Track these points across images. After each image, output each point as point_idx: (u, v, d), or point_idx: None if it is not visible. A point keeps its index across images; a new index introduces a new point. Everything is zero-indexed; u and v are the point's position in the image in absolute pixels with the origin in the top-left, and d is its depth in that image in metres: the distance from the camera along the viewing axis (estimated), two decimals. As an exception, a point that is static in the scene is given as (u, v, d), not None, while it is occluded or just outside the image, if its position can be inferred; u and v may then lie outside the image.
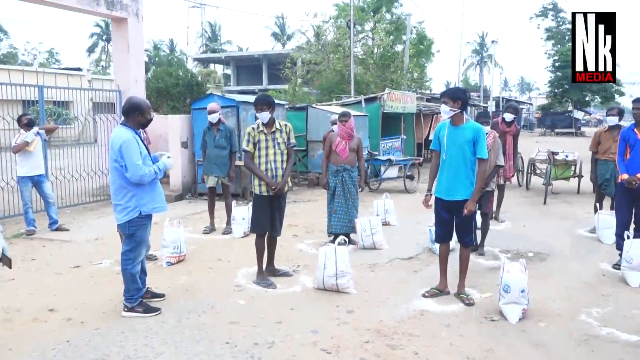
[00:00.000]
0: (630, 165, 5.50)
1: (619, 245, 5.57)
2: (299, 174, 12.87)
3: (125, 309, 4.35)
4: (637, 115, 5.53)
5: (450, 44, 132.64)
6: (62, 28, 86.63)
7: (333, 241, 5.07)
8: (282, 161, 5.13)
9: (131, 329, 4.06)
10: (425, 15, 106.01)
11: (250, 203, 5.72)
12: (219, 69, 49.25)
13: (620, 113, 7.46)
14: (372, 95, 15.89)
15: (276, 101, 12.49)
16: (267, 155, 5.08)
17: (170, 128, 10.52)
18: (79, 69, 29.95)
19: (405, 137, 16.31)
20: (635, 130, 5.54)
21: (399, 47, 27.32)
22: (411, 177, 11.72)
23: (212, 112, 7.35)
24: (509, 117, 7.79)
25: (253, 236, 5.33)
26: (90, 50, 58.94)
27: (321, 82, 24.23)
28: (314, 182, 12.14)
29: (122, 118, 4.39)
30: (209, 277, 5.44)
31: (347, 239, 6.28)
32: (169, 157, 4.50)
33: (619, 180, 5.65)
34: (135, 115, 4.29)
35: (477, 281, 5.21)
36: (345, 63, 22.85)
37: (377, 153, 12.86)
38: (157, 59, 43.06)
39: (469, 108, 27.87)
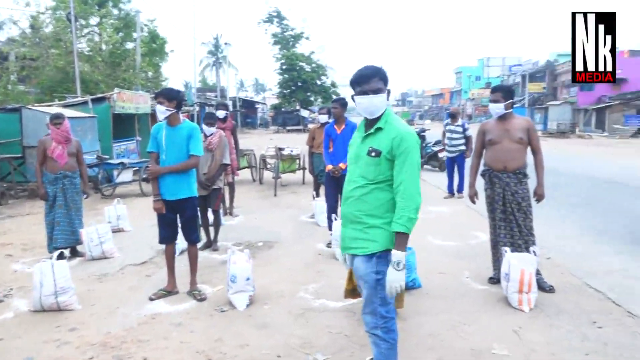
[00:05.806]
0: (334, 156, 6.39)
1: (330, 227, 6.42)
2: (16, 184, 11.26)
3: None
4: (335, 114, 6.44)
5: (186, 44, 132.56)
6: None
7: (59, 257, 4.60)
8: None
9: None
10: (156, 13, 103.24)
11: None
12: None
13: (329, 112, 8.56)
14: (100, 95, 14.89)
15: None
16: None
17: None
18: None
19: (140, 139, 15.72)
20: (335, 126, 6.44)
21: (130, 45, 26.13)
22: (147, 180, 11.36)
23: None
24: (221, 114, 8.12)
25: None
26: None
27: (41, 80, 21.60)
28: (35, 192, 10.76)
29: None
30: None
31: (70, 252, 5.79)
32: None
33: (327, 170, 6.50)
34: None
35: (210, 276, 5.38)
36: (69, 59, 20.85)
37: (108, 157, 12.10)
38: None
39: (206, 107, 28.46)
